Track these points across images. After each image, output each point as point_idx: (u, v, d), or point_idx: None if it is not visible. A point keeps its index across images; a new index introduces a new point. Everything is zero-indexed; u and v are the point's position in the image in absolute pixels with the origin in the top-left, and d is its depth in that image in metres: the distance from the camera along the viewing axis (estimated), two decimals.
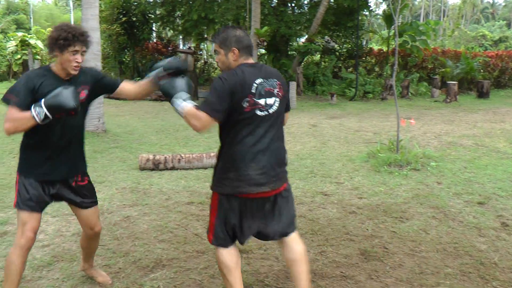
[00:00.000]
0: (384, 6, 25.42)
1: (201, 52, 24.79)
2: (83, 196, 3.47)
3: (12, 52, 24.33)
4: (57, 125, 3.19)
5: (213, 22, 22.05)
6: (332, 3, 21.00)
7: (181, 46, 25.69)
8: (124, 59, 23.19)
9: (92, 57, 9.40)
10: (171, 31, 26.35)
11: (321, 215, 5.29)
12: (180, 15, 23.50)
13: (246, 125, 3.02)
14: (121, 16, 21.77)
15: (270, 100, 3.06)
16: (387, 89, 17.63)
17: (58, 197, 3.43)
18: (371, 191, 6.13)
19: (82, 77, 3.31)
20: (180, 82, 3.19)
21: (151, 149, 8.65)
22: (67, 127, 3.26)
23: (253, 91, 2.98)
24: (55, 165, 3.29)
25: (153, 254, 4.28)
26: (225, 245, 3.18)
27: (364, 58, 22.20)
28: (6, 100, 3.11)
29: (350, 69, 21.70)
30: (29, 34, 25.96)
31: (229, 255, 3.19)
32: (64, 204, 5.62)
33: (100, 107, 10.13)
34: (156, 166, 7.17)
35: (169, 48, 23.14)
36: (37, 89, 3.12)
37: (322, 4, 18.74)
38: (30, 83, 3.13)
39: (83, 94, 3.30)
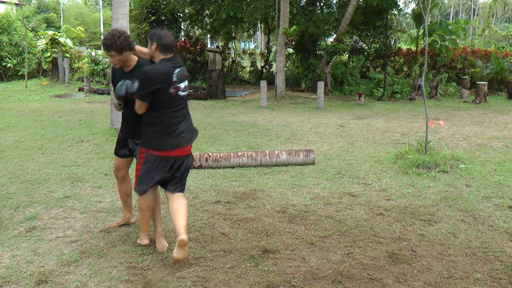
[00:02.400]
0: (413, 5, 25.13)
1: (229, 51, 24.84)
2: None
3: (42, 50, 24.71)
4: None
5: (241, 21, 22.10)
6: (361, 3, 20.85)
7: (209, 45, 25.77)
8: None
9: None
10: (199, 30, 26.46)
11: (349, 216, 5.26)
12: (208, 14, 23.58)
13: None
14: (150, 15, 21.96)
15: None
16: (415, 89, 17.43)
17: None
18: (399, 193, 6.07)
19: (136, 72, 4.22)
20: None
21: None
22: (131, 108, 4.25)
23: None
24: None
25: None
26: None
27: (392, 58, 21.97)
28: None
29: (378, 69, 21.49)
30: (59, 32, 26.31)
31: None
32: (92, 200, 5.74)
33: None
34: None
35: (197, 47, 23.24)
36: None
37: (351, 4, 18.62)
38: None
39: None
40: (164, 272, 3.93)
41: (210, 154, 7.32)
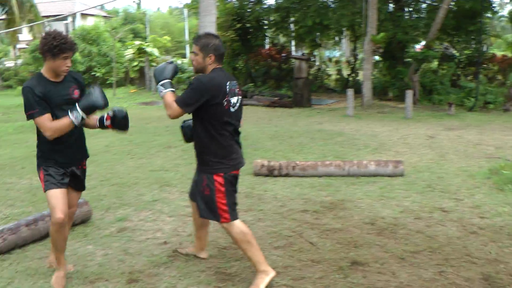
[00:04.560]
0: (510, 7, 23.84)
1: (314, 59, 24.77)
2: (82, 179, 4.10)
3: (129, 60, 25.74)
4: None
5: (327, 28, 21.94)
6: (452, 6, 19.99)
7: (293, 53, 25.80)
8: (237, 65, 23.74)
9: None
10: (284, 37, 26.56)
11: (440, 232, 5.07)
12: (294, 21, 23.61)
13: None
14: (235, 23, 22.27)
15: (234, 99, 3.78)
16: (510, 99, 16.64)
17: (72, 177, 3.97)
18: (493, 211, 5.77)
19: (71, 78, 3.86)
20: (170, 70, 3.86)
21: (265, 155, 8.77)
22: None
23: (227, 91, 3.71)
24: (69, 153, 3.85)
25: (268, 261, 4.27)
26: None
27: (485, 65, 21.01)
28: (31, 116, 3.62)
29: (469, 77, 20.63)
30: (145, 42, 27.32)
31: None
32: (180, 204, 5.89)
33: None
34: (270, 172, 7.26)
35: (283, 55, 23.33)
36: (38, 93, 3.60)
37: (442, 8, 17.92)
38: (31, 91, 3.60)
39: (76, 93, 3.84)
40: (252, 280, 3.95)
41: (297, 162, 7.32)
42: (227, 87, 3.71)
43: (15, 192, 6.66)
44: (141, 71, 25.37)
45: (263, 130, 11.99)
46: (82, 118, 3.65)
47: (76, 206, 4.18)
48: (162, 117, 14.90)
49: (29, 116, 3.61)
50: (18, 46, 35.63)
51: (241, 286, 3.86)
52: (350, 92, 15.22)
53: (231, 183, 3.83)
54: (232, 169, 3.80)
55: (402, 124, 13.19)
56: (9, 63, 33.09)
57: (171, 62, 3.91)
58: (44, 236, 4.84)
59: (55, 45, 3.53)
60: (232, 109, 3.76)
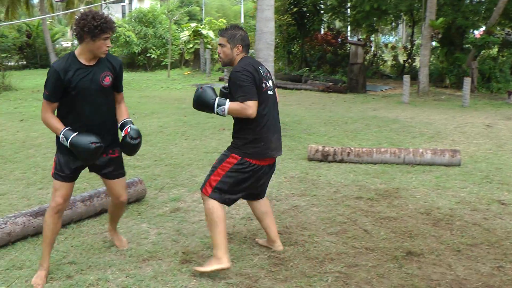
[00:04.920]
0: None
1: (370, 45, 24.38)
2: (112, 167, 3.82)
3: (185, 42, 25.95)
4: (87, 105, 3.58)
5: (385, 13, 21.52)
6: None
7: (349, 38, 25.47)
8: (292, 49, 23.59)
9: (266, 47, 9.64)
10: (340, 22, 26.22)
11: (498, 225, 4.91)
12: (351, 6, 23.27)
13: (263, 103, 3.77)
14: (292, 7, 22.11)
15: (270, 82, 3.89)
16: None
17: (92, 168, 3.82)
18: None
19: (106, 63, 3.66)
20: (209, 91, 3.82)
21: (320, 140, 8.71)
22: (96, 107, 3.62)
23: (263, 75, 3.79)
24: None
25: (321, 247, 4.30)
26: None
27: None
28: (43, 94, 3.54)
29: None
30: (201, 25, 27.47)
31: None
32: None
33: None
34: (324, 158, 7.21)
35: (339, 40, 23.06)
36: (63, 78, 3.45)
37: None
38: (56, 75, 3.44)
39: (107, 79, 3.63)
40: (305, 265, 3.94)
41: (352, 148, 7.24)
42: (261, 71, 3.81)
43: None
44: (196, 53, 25.56)
45: (317, 115, 11.89)
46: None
47: (123, 195, 3.94)
48: None
49: (43, 94, 3.56)
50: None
51: (293, 271, 3.85)
52: (406, 78, 14.90)
53: (243, 172, 3.80)
54: (253, 157, 3.79)
55: (459, 112, 12.84)
56: (66, 44, 33.97)
57: (201, 87, 3.89)
58: (99, 212, 4.99)
59: (95, 25, 3.38)
60: (269, 92, 3.85)
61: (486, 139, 9.24)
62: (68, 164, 3.64)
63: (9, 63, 26.78)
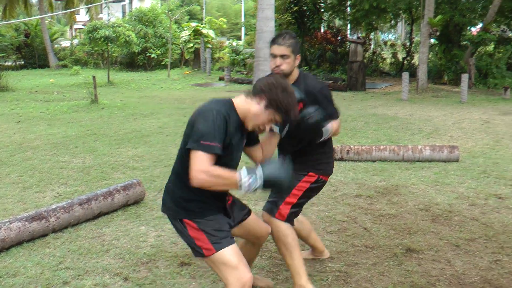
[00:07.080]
0: None
1: (369, 42, 24.40)
2: (235, 212, 3.11)
3: (185, 41, 25.94)
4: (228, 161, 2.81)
5: (384, 12, 21.57)
6: None
7: (348, 36, 25.46)
8: None
9: (266, 46, 9.65)
10: (340, 21, 26.25)
11: (495, 219, 4.97)
12: (351, 4, 23.31)
13: None
14: (292, 5, 22.13)
15: None
16: None
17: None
18: None
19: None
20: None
21: None
22: (234, 161, 2.94)
23: None
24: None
25: None
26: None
27: None
28: (206, 148, 2.62)
29: None
30: (201, 24, 27.47)
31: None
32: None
33: None
34: None
35: (338, 38, 23.09)
36: (226, 129, 2.71)
37: None
38: (227, 125, 2.71)
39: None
40: (305, 265, 3.96)
41: (351, 146, 7.28)
42: None
43: (68, 171, 6.77)
44: (196, 52, 25.57)
45: None
46: (255, 190, 2.64)
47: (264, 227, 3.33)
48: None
49: (201, 147, 2.62)
50: (75, 26, 36.60)
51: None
52: (405, 75, 14.96)
53: (317, 190, 3.65)
54: (325, 173, 3.60)
55: (457, 108, 12.90)
56: (65, 43, 33.90)
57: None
58: (97, 215, 4.94)
59: (286, 110, 2.74)
60: None
61: (484, 134, 9.30)
62: (220, 221, 2.91)
63: (6, 63, 26.79)
